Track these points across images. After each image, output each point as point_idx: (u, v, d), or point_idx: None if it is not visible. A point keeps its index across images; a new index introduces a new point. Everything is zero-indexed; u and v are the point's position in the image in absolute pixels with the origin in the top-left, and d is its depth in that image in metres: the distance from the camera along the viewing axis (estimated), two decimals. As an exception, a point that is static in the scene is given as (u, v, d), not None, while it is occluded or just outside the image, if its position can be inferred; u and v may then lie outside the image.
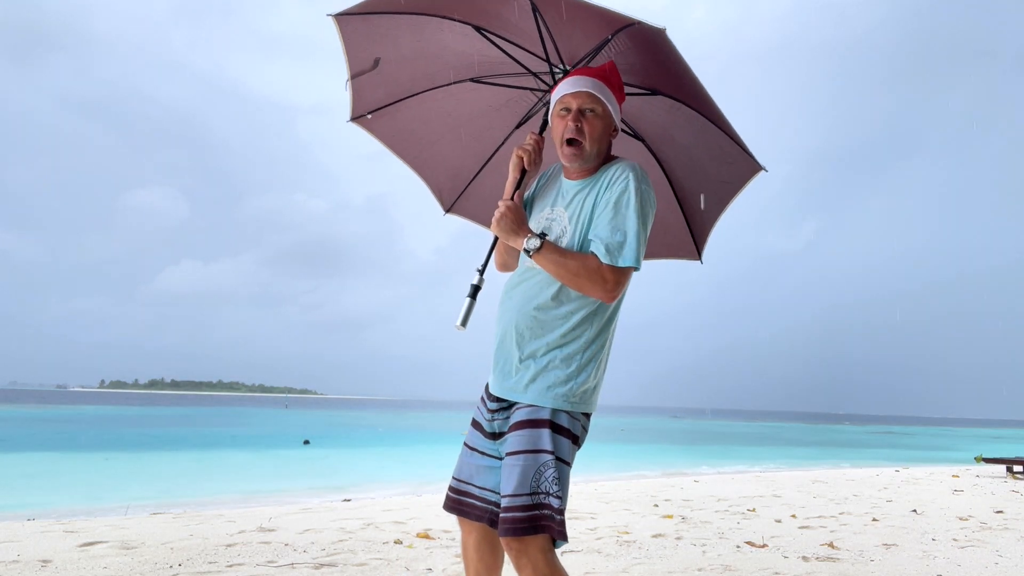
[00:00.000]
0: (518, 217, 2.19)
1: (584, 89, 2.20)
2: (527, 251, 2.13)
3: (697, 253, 2.82)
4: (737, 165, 2.50)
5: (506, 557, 2.16)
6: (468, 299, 2.17)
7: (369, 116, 2.71)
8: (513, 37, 2.45)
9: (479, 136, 2.85)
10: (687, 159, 2.64)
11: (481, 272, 2.25)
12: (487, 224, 3.05)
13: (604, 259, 2.09)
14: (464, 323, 2.15)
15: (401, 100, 2.71)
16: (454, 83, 2.67)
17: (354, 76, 2.55)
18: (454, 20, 2.41)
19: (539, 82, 2.59)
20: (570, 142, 2.20)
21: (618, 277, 2.09)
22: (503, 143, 2.85)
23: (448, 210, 3.01)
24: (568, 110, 2.21)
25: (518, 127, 2.80)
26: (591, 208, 2.19)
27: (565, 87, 2.24)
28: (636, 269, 2.12)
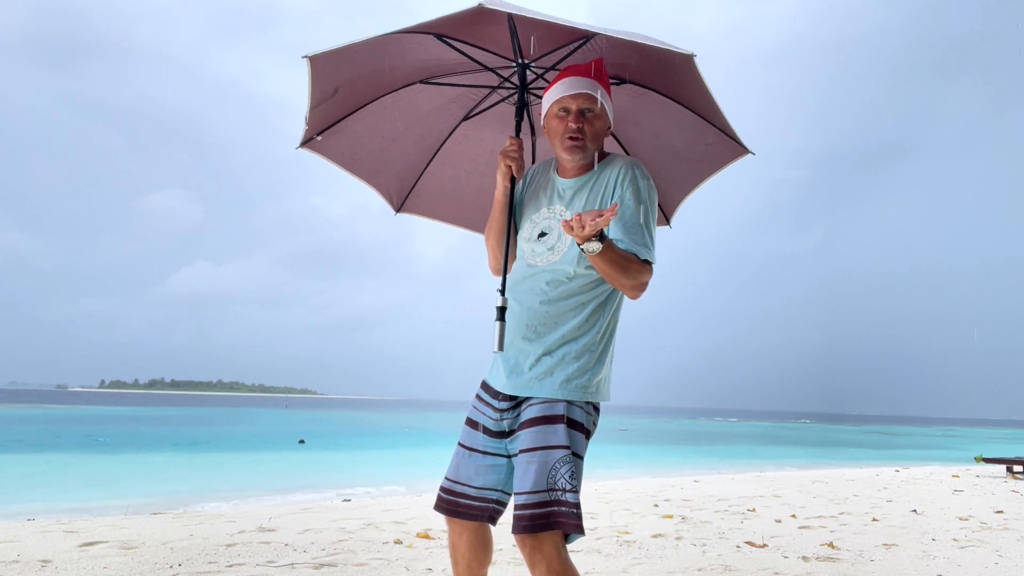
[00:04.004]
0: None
1: (583, 91, 2.23)
2: (591, 252, 1.99)
3: (666, 219, 2.91)
4: (715, 147, 2.60)
5: (498, 554, 2.16)
6: (498, 323, 2.18)
7: (319, 137, 2.67)
8: (475, 40, 2.42)
9: (427, 134, 2.86)
10: (653, 139, 2.74)
11: (503, 292, 2.25)
12: (440, 219, 3.07)
13: (642, 256, 2.11)
14: (501, 346, 2.18)
15: (349, 115, 2.68)
16: (402, 87, 2.66)
17: (314, 107, 2.48)
18: (417, 33, 2.36)
19: (498, 78, 2.59)
20: (572, 140, 2.22)
21: (650, 273, 2.13)
22: (449, 136, 2.88)
23: (399, 210, 3.01)
24: (567, 111, 2.24)
25: (465, 119, 2.82)
26: (596, 207, 2.20)
27: (562, 88, 2.25)
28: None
